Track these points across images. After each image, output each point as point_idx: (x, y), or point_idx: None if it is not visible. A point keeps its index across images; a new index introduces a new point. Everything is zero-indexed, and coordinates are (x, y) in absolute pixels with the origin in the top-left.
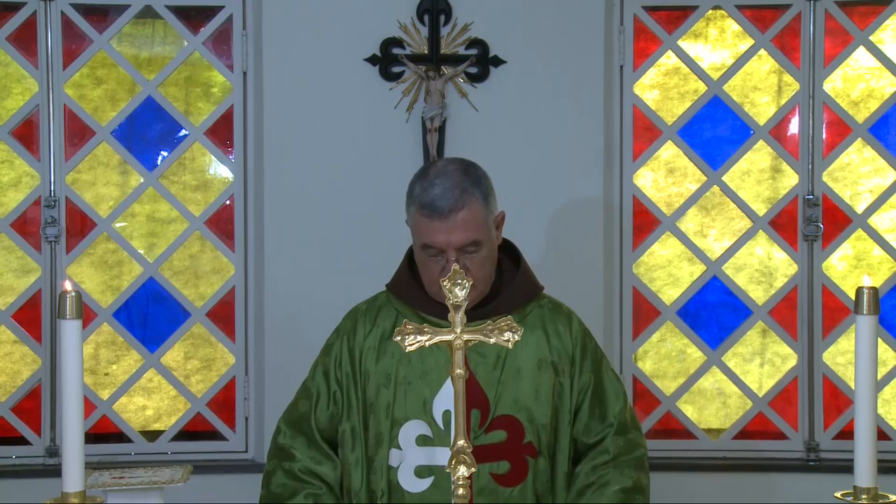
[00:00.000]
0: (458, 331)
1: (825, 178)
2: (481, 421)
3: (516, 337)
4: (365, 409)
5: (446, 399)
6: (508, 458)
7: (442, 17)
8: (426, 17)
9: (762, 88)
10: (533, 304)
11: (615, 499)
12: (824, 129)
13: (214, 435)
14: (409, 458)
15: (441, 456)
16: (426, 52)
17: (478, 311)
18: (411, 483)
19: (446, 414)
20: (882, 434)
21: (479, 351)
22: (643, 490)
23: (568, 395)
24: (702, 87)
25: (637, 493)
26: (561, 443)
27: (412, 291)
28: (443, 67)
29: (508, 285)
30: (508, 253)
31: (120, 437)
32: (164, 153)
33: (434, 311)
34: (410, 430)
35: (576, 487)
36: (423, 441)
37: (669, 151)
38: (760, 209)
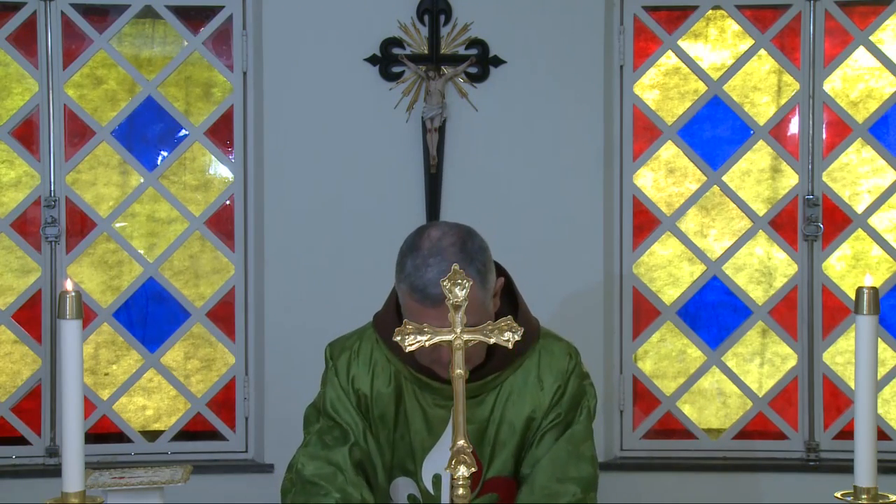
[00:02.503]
0: (458, 331)
1: (825, 178)
2: (473, 485)
3: (516, 337)
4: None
5: (437, 462)
6: None
7: (442, 17)
8: (426, 17)
9: (762, 88)
10: (528, 350)
11: None
12: (824, 129)
13: (214, 435)
14: None
15: None
16: (426, 52)
17: (473, 375)
18: None
19: (436, 478)
20: (882, 434)
21: (470, 414)
22: None
23: (533, 433)
24: (702, 87)
25: None
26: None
27: (405, 353)
28: (443, 67)
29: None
30: (505, 291)
31: (120, 437)
32: (164, 153)
33: (431, 375)
34: (401, 487)
35: None
36: (413, 500)
37: (669, 151)
38: (760, 209)
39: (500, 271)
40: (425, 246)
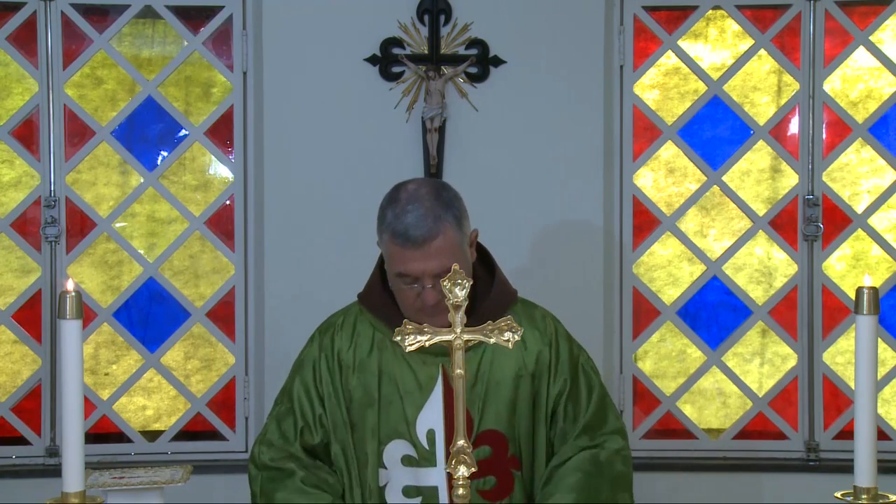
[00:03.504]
0: (458, 331)
1: (825, 178)
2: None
3: (516, 337)
4: (351, 428)
5: (429, 418)
6: (494, 473)
7: (442, 17)
8: (426, 17)
9: (762, 88)
10: (508, 311)
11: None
12: (824, 129)
13: (214, 435)
14: (395, 478)
15: (426, 476)
16: (426, 52)
17: None
18: (399, 501)
19: (430, 433)
20: (882, 434)
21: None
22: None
23: (543, 402)
24: (702, 87)
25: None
26: (537, 452)
27: (389, 310)
28: (443, 67)
29: (484, 298)
30: (482, 260)
31: (120, 437)
32: (164, 153)
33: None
34: (395, 449)
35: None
36: (408, 461)
37: (669, 151)
38: (760, 209)
39: (484, 256)
40: (403, 197)
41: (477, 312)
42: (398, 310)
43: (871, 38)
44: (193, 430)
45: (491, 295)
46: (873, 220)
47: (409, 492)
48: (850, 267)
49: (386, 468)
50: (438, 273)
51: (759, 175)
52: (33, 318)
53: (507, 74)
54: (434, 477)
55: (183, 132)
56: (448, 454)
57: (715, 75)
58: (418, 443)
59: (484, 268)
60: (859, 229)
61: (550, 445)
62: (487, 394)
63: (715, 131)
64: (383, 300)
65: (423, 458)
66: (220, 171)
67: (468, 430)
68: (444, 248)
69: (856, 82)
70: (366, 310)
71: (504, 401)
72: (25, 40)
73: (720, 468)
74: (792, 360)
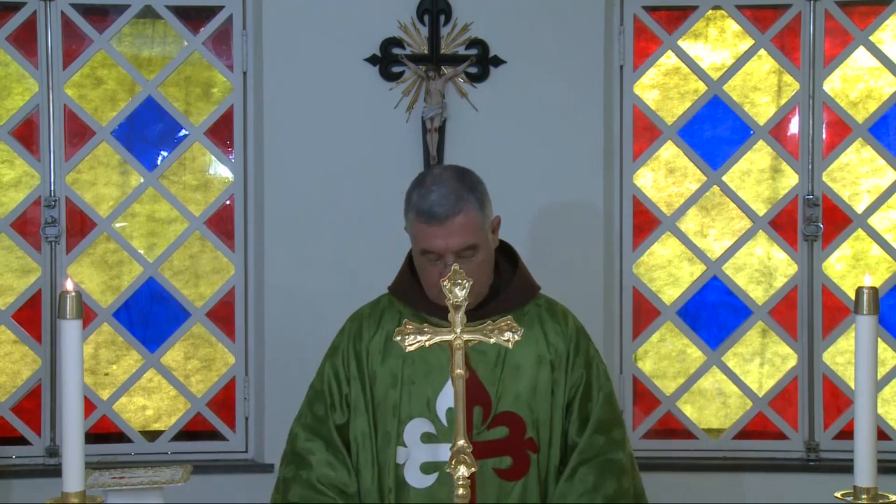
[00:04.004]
0: (458, 331)
1: (825, 178)
2: (483, 417)
3: (516, 337)
4: (373, 409)
5: (449, 397)
6: (510, 453)
7: (442, 17)
8: (426, 17)
9: (762, 88)
10: (530, 304)
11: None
12: (824, 129)
13: (214, 435)
14: (414, 455)
15: (444, 452)
16: (426, 52)
17: (476, 312)
18: (417, 479)
19: (449, 412)
20: (882, 434)
21: (479, 349)
22: (602, 491)
23: (561, 390)
24: (702, 87)
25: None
26: (554, 437)
27: (414, 294)
28: (443, 67)
29: (506, 286)
30: (506, 255)
31: (120, 437)
32: (164, 153)
33: (436, 312)
34: (415, 427)
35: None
36: (427, 438)
37: (669, 151)
38: (760, 209)
39: (509, 250)
40: (428, 180)
41: (499, 299)
42: (425, 295)
43: (871, 38)
44: (193, 430)
45: (513, 284)
46: (873, 220)
47: (426, 468)
48: (850, 267)
49: (406, 446)
50: (460, 249)
51: (759, 175)
52: (33, 318)
53: (507, 74)
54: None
55: (183, 132)
56: (467, 430)
57: (715, 75)
58: (437, 420)
59: (508, 262)
60: (859, 229)
61: (564, 435)
62: (507, 376)
63: (715, 131)
64: (410, 287)
65: (442, 435)
66: (220, 171)
67: (486, 409)
68: (467, 226)
69: (856, 82)
70: (394, 298)
71: (523, 385)
72: (25, 40)
73: (720, 468)
74: (792, 360)
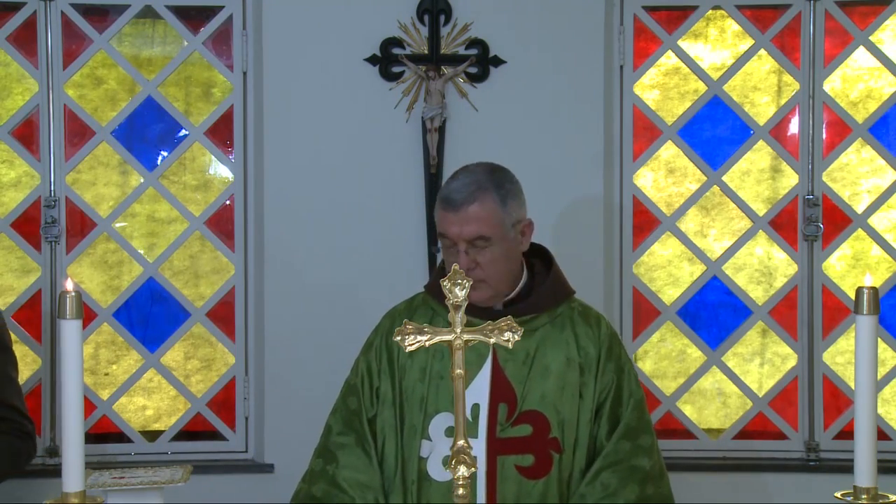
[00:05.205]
0: (458, 331)
1: (825, 178)
2: (508, 414)
3: (516, 337)
4: (401, 402)
5: (476, 393)
6: (533, 452)
7: (442, 17)
8: (426, 17)
9: (762, 88)
10: (563, 306)
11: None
12: (824, 129)
13: (214, 435)
14: (438, 448)
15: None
16: (426, 52)
17: (508, 310)
18: (439, 472)
19: (475, 407)
20: (882, 434)
21: (508, 349)
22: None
23: (590, 393)
24: (702, 87)
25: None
26: (580, 440)
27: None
28: (443, 67)
29: (539, 287)
30: (542, 257)
31: (120, 437)
32: (164, 153)
33: (469, 311)
34: (441, 422)
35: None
36: (451, 432)
37: (669, 151)
38: (760, 209)
39: (545, 253)
40: (461, 170)
41: (531, 298)
42: None
43: (871, 38)
44: (193, 430)
45: (545, 285)
46: (873, 220)
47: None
48: (850, 267)
49: (430, 440)
50: (472, 238)
51: (759, 175)
52: (33, 318)
53: (507, 74)
54: (475, 447)
55: (183, 132)
56: (491, 426)
57: (715, 75)
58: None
59: (543, 264)
60: (859, 229)
61: (593, 439)
62: (535, 376)
63: (715, 131)
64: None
65: (467, 430)
66: (220, 171)
67: (511, 406)
68: (481, 216)
69: (856, 82)
70: (429, 296)
71: (550, 385)
72: (25, 40)
73: (720, 468)
74: (792, 360)
